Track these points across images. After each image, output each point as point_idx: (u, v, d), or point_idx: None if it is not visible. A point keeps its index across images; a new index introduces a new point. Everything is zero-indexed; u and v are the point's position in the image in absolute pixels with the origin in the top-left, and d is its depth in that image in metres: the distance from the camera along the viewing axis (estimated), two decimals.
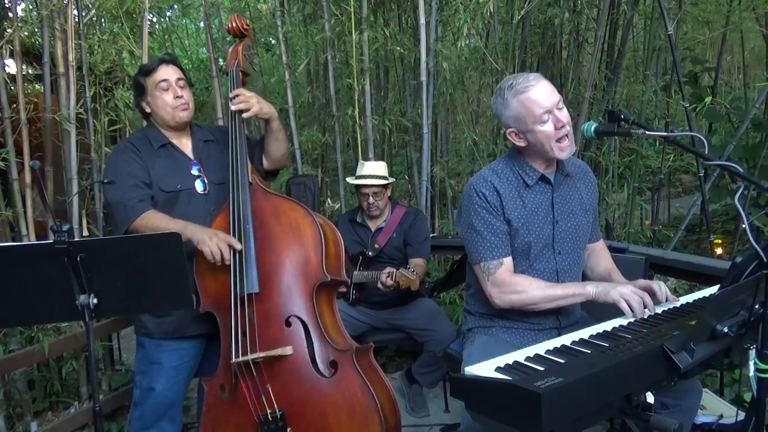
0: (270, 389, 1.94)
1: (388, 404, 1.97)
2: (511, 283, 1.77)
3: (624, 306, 1.59)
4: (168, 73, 2.10)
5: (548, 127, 1.70)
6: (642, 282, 1.72)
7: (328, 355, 1.97)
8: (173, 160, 2.15)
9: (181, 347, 2.15)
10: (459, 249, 3.32)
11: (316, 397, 1.93)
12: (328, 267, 2.03)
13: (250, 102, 2.09)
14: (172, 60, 2.16)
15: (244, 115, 2.09)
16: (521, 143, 1.77)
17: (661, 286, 1.69)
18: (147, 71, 2.10)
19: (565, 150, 1.73)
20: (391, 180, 2.98)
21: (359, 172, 2.97)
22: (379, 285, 2.62)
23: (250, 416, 1.95)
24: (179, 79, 2.12)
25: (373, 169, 2.94)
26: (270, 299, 2.00)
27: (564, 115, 1.71)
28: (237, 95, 2.10)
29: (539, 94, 1.68)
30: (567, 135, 1.72)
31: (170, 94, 2.10)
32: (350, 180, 3.04)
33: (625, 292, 1.61)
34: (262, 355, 1.93)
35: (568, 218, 1.86)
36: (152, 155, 2.11)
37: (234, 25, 2.22)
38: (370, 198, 2.89)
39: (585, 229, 1.91)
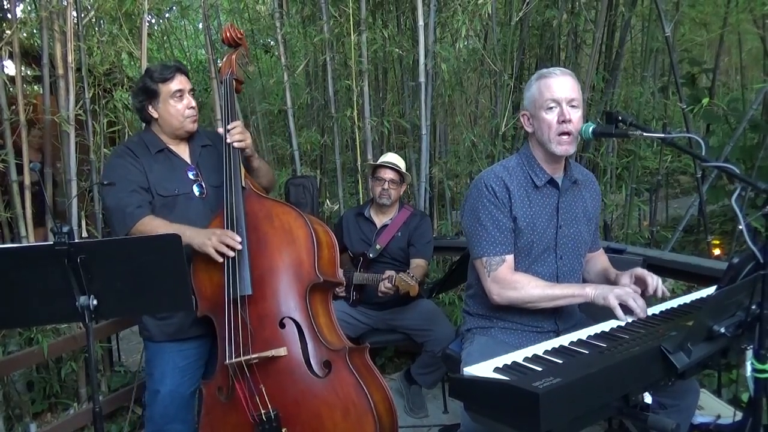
0: (263, 389, 1.95)
1: (383, 404, 1.97)
2: (511, 281, 1.78)
3: (619, 313, 1.61)
4: (183, 82, 2.13)
5: (551, 116, 1.74)
6: (638, 271, 1.76)
7: (322, 355, 1.97)
8: (170, 164, 2.16)
9: (184, 348, 2.16)
10: (457, 250, 3.32)
11: (310, 397, 1.94)
12: (320, 268, 2.04)
13: (245, 134, 2.13)
14: (185, 69, 2.19)
15: (236, 145, 2.10)
16: (529, 129, 1.84)
17: (653, 278, 1.72)
18: (163, 78, 2.10)
19: (562, 145, 1.76)
20: (408, 175, 3.05)
21: (381, 160, 3.04)
22: (379, 294, 2.67)
23: (247, 418, 1.96)
24: (191, 89, 2.16)
25: (394, 159, 3.02)
26: (263, 301, 2.01)
27: (575, 115, 1.74)
28: (234, 127, 2.11)
29: (555, 84, 1.75)
30: (569, 134, 1.74)
31: (184, 104, 2.13)
32: (372, 162, 3.11)
33: (621, 294, 1.63)
34: (255, 356, 1.94)
35: (571, 224, 1.87)
36: (149, 160, 2.12)
37: (228, 35, 2.25)
38: (386, 184, 2.94)
39: (587, 237, 1.93)
